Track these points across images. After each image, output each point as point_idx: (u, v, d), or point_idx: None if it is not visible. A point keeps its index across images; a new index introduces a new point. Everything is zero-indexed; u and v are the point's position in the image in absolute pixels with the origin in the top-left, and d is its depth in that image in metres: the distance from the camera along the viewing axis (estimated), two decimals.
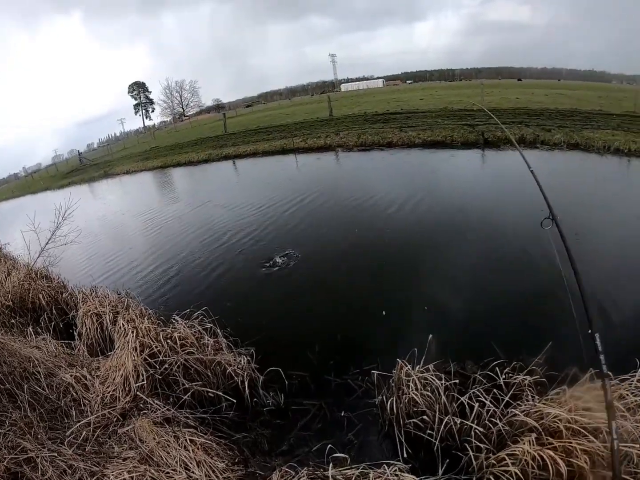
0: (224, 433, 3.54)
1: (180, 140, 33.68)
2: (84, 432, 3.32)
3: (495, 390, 3.31)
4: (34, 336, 4.80)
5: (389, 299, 5.40)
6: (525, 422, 2.98)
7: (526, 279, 5.48)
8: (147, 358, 3.95)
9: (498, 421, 3.06)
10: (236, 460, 3.22)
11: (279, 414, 3.80)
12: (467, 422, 3.09)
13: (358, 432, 3.50)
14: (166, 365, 3.91)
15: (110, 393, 3.78)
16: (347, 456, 2.93)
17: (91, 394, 3.83)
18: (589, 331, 2.45)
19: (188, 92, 74.58)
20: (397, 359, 3.52)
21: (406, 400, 3.25)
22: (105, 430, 3.43)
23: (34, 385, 3.79)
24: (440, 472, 2.97)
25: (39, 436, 3.21)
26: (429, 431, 3.17)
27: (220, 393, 3.79)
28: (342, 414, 3.68)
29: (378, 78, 77.00)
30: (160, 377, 3.89)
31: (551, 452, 2.69)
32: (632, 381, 3.06)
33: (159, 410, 3.53)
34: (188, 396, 3.75)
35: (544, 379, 3.41)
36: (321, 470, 2.82)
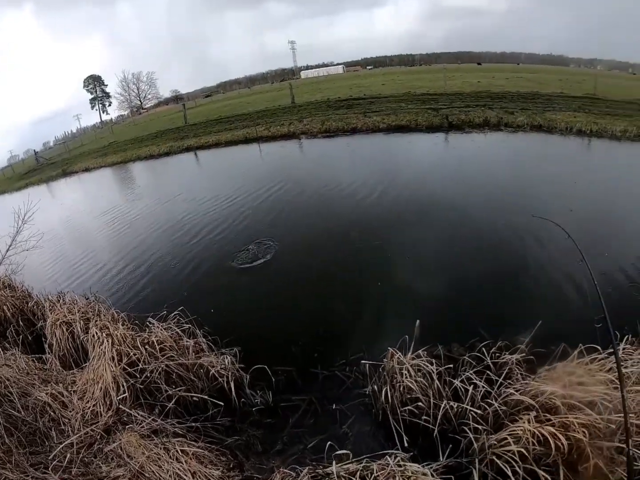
0: (214, 438, 3.40)
1: (139, 133, 32.70)
2: (68, 454, 3.11)
3: (486, 371, 3.32)
4: (1, 352, 4.48)
5: (367, 286, 5.36)
6: (520, 400, 2.98)
7: (507, 259, 5.55)
8: (126, 367, 3.75)
9: (494, 402, 3.04)
10: (231, 466, 3.09)
11: (269, 412, 3.69)
12: (463, 405, 3.07)
13: (352, 423, 3.43)
14: (147, 373, 3.71)
15: (91, 409, 3.57)
16: (349, 452, 2.83)
17: (70, 411, 3.61)
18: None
19: (145, 84, 72.17)
20: (389, 347, 3.45)
21: (400, 388, 3.19)
22: (90, 450, 3.23)
23: (8, 408, 3.52)
24: (442, 457, 2.93)
25: (20, 463, 2.98)
26: (424, 417, 3.13)
27: (206, 397, 3.64)
28: (334, 406, 3.60)
29: (338, 64, 76.78)
30: (141, 387, 3.69)
31: (551, 429, 2.68)
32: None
33: (145, 421, 3.35)
34: (173, 403, 3.57)
35: (531, 357, 3.43)
36: (321, 467, 2.71)
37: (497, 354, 3.49)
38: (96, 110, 73.13)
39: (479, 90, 21.45)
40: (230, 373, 3.79)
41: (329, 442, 2.98)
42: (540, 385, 3.01)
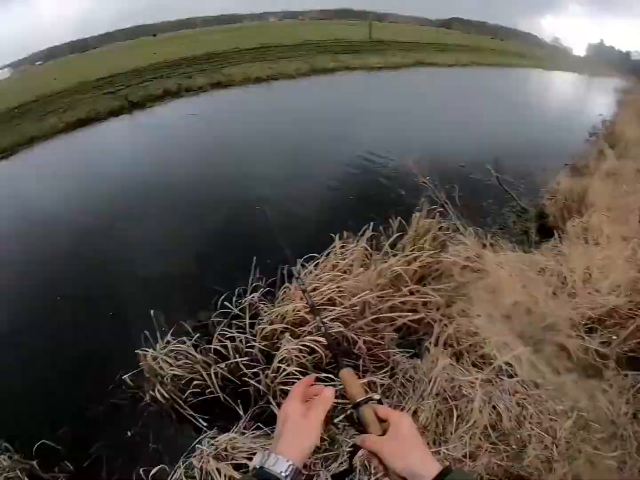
0: None
1: None
2: None
3: (236, 321, 3.55)
4: None
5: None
6: (274, 328, 3.32)
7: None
8: None
9: (254, 342, 3.27)
10: None
11: None
12: (230, 360, 3.19)
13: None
14: None
15: None
16: None
17: None
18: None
19: None
20: (136, 351, 3.32)
21: (169, 380, 3.15)
22: None
23: None
24: (243, 414, 3.05)
25: None
26: (208, 390, 3.15)
27: None
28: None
29: (4, 67, 64.16)
30: None
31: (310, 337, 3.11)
32: None
33: None
34: None
35: (269, 288, 3.85)
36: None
37: (239, 301, 3.74)
38: None
39: (156, 61, 21.00)
40: None
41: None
42: (282, 308, 3.40)
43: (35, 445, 2.99)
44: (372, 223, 4.03)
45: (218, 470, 2.44)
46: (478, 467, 2.47)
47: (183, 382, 3.20)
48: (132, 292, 4.78)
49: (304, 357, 3.06)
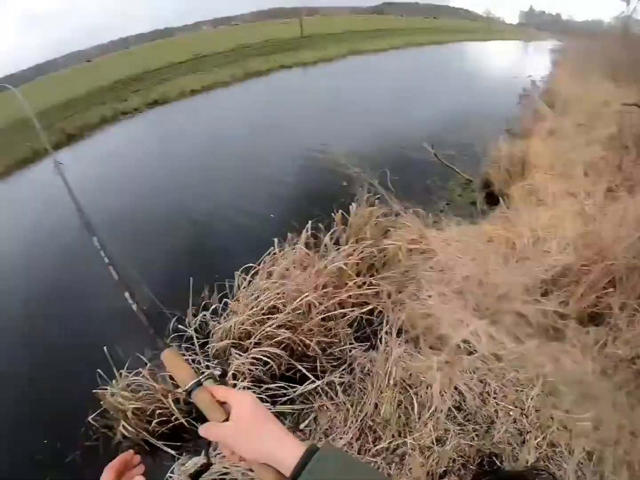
0: None
1: None
2: None
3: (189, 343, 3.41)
4: None
5: None
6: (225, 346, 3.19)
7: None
8: None
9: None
10: None
11: None
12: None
13: None
14: None
15: None
16: None
17: None
18: None
19: None
20: (93, 391, 3.13)
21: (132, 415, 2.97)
22: None
23: None
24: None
25: None
26: (174, 417, 3.02)
27: None
28: None
29: None
30: None
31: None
32: None
33: None
34: None
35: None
36: None
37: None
38: None
39: (89, 90, 19.99)
40: None
41: None
42: (227, 323, 3.30)
43: None
44: (310, 221, 3.90)
45: None
46: (448, 451, 2.40)
47: (147, 413, 3.06)
48: (81, 327, 4.49)
49: (257, 369, 2.96)
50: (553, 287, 3.41)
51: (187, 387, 0.76)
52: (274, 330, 2.98)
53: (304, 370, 3.02)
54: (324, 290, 3.18)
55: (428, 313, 3.15)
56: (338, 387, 2.90)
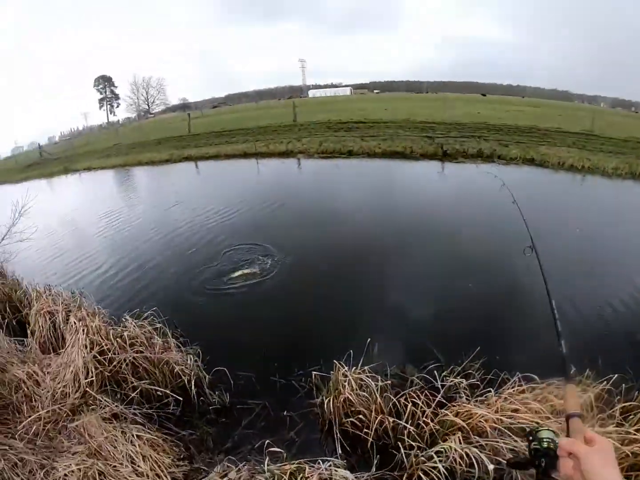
0: (170, 430, 3.63)
1: (143, 138, 33.18)
2: (35, 427, 3.38)
3: (429, 392, 3.49)
4: None
5: (339, 301, 5.67)
6: (454, 421, 3.17)
7: (475, 288, 5.80)
8: (97, 355, 4.00)
9: (430, 421, 3.24)
10: (182, 456, 3.33)
11: (225, 412, 3.91)
12: (401, 422, 3.27)
13: (299, 430, 3.65)
14: (115, 363, 3.97)
15: (61, 389, 3.81)
16: (282, 451, 3.07)
17: (42, 389, 3.86)
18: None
19: (155, 89, 72.55)
20: (334, 361, 3.68)
21: (342, 400, 3.42)
22: (56, 425, 3.49)
23: None
24: (373, 468, 3.14)
25: None
26: (365, 430, 3.33)
27: (168, 391, 3.86)
28: (285, 413, 3.81)
29: (346, 86, 77.45)
30: (109, 374, 3.96)
31: (477, 450, 2.89)
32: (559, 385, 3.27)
33: (108, 406, 3.61)
34: (136, 394, 3.82)
35: (478, 382, 3.65)
36: (261, 465, 2.94)
37: (447, 377, 3.69)
38: (104, 110, 73.57)
39: (478, 121, 21.91)
40: (192, 372, 4.03)
41: (267, 441, 3.19)
42: (474, 409, 3.25)
43: None
44: None
45: None
46: None
47: (352, 409, 3.43)
48: (375, 313, 5.39)
49: (461, 464, 2.88)
50: None
51: (570, 412, 1.04)
52: None
53: None
54: None
55: None
56: None
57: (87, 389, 3.77)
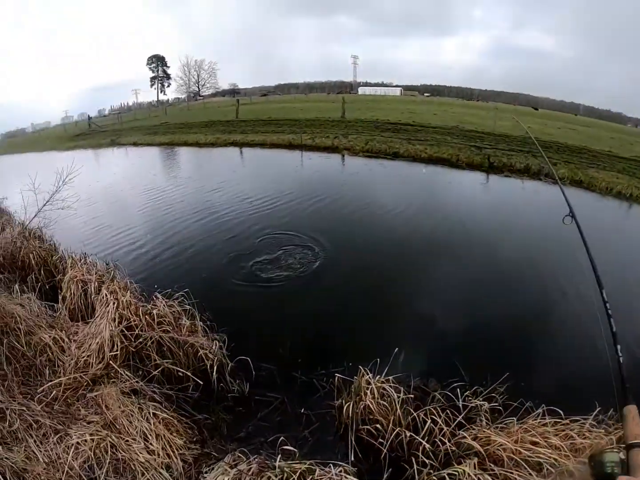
0: (186, 412, 3.66)
1: (190, 119, 33.75)
2: (54, 392, 3.47)
3: (450, 410, 3.42)
4: (19, 294, 4.88)
5: (370, 307, 5.63)
6: (471, 445, 3.09)
7: (513, 306, 5.66)
8: (124, 330, 4.06)
9: (447, 441, 3.17)
10: (194, 439, 3.37)
11: (242, 401, 3.93)
12: (417, 437, 3.20)
13: (314, 430, 3.63)
14: (141, 340, 4.03)
15: (85, 358, 3.89)
16: (295, 450, 3.06)
17: (66, 356, 3.96)
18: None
19: (206, 73, 73.51)
20: (359, 366, 3.64)
21: (362, 407, 3.38)
22: (75, 393, 3.57)
23: (12, 341, 3.92)
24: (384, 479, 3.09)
25: (11, 389, 3.35)
26: (380, 439, 3.29)
27: (189, 374, 3.90)
28: (302, 410, 3.81)
29: (397, 86, 76.38)
30: (133, 350, 4.01)
31: (490, 479, 2.80)
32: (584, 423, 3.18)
33: (128, 381, 3.67)
34: (158, 372, 3.87)
35: (500, 407, 3.53)
36: (271, 460, 2.94)
37: (470, 397, 3.59)
38: (154, 89, 74.94)
39: (528, 135, 21.11)
40: (216, 357, 4.06)
41: (282, 438, 3.19)
42: (493, 435, 3.16)
43: None
44: None
45: None
46: None
47: (371, 417, 3.38)
48: (406, 320, 5.36)
49: None
50: None
51: (630, 442, 0.93)
52: None
53: None
54: None
55: None
56: None
57: (111, 361, 3.84)
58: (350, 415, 3.44)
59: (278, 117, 28.87)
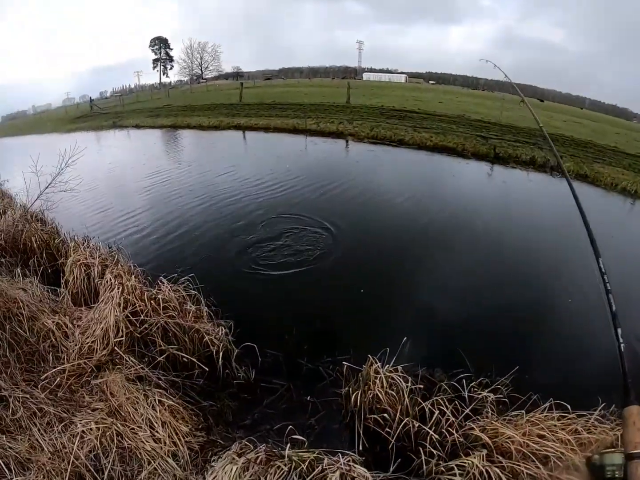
0: (192, 398, 3.63)
1: (193, 102, 33.49)
2: (58, 379, 3.42)
3: (457, 401, 3.41)
4: (21, 278, 4.83)
5: (378, 294, 5.58)
6: (479, 437, 3.08)
7: (520, 298, 5.60)
8: (129, 315, 4.02)
9: (454, 432, 3.15)
10: (200, 426, 3.34)
11: (248, 388, 3.90)
12: (425, 427, 3.18)
13: (320, 418, 3.61)
14: (146, 325, 3.99)
15: (89, 344, 3.84)
16: (304, 439, 3.03)
17: (70, 342, 3.91)
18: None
19: (209, 55, 72.58)
20: (368, 355, 3.60)
21: (370, 396, 3.35)
22: (79, 380, 3.53)
23: (15, 327, 3.86)
24: (391, 469, 3.07)
25: (14, 376, 3.30)
26: (387, 429, 3.26)
27: (195, 360, 3.86)
28: (308, 398, 3.78)
29: (402, 73, 75.36)
30: (139, 336, 3.97)
31: (498, 471, 2.77)
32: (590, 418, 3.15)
33: (133, 367, 3.62)
34: (163, 357, 3.83)
35: (506, 399, 3.50)
36: (279, 448, 2.91)
37: (475, 389, 3.57)
38: (157, 71, 73.78)
39: (534, 127, 21.02)
40: (222, 344, 4.03)
41: (293, 429, 3.12)
42: (501, 427, 3.13)
43: None
44: None
45: None
46: None
47: (378, 406, 3.36)
48: (411, 310, 5.32)
49: None
50: None
51: (630, 451, 0.79)
52: None
53: None
54: None
55: None
56: None
57: (116, 347, 3.79)
58: (358, 404, 3.41)
59: (282, 101, 28.63)
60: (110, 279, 4.46)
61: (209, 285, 4.81)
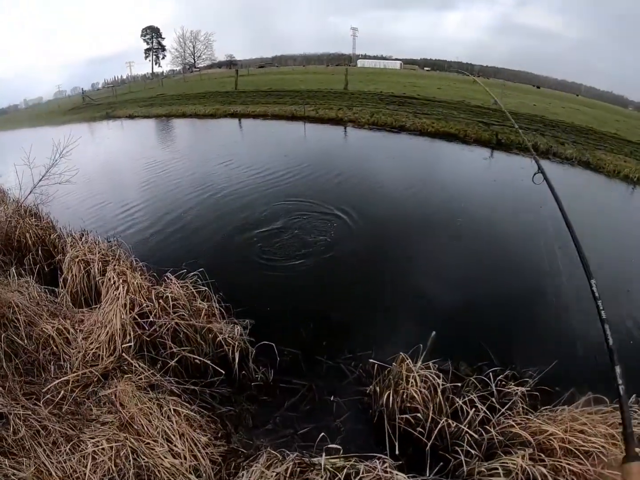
0: (208, 404, 3.39)
1: (188, 91, 33.06)
2: (62, 391, 3.11)
3: (490, 397, 3.25)
4: (16, 278, 4.53)
5: (396, 286, 5.37)
6: (518, 434, 2.92)
7: (540, 288, 5.35)
8: (137, 317, 3.74)
9: (492, 429, 2.99)
10: (219, 435, 3.10)
11: (267, 390, 3.68)
12: (461, 426, 3.01)
13: (346, 419, 3.41)
14: (156, 327, 3.71)
15: (93, 350, 3.56)
16: (340, 447, 2.80)
17: (72, 349, 3.61)
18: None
19: (202, 44, 71.62)
20: (400, 352, 3.39)
21: (403, 395, 3.15)
22: (85, 391, 3.23)
23: (12, 334, 3.55)
24: (428, 473, 2.89)
25: (13, 390, 3.00)
26: (419, 429, 3.08)
27: (209, 362, 3.62)
28: (332, 398, 3.58)
29: (396, 59, 74.88)
30: (148, 339, 3.68)
31: (543, 469, 2.62)
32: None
33: (144, 374, 3.35)
34: (175, 362, 3.57)
35: (536, 393, 3.36)
36: (309, 457, 2.69)
37: (503, 382, 3.40)
38: (149, 61, 72.72)
39: (534, 113, 20.97)
40: (237, 343, 3.78)
41: (322, 434, 2.93)
42: (542, 424, 2.95)
43: None
44: None
45: None
46: None
47: (410, 405, 3.16)
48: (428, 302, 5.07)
49: None
50: None
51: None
52: None
53: None
54: None
55: None
56: None
57: (123, 353, 3.51)
58: (390, 404, 3.19)
59: (278, 88, 28.29)
60: (113, 277, 4.17)
61: (219, 281, 4.52)
